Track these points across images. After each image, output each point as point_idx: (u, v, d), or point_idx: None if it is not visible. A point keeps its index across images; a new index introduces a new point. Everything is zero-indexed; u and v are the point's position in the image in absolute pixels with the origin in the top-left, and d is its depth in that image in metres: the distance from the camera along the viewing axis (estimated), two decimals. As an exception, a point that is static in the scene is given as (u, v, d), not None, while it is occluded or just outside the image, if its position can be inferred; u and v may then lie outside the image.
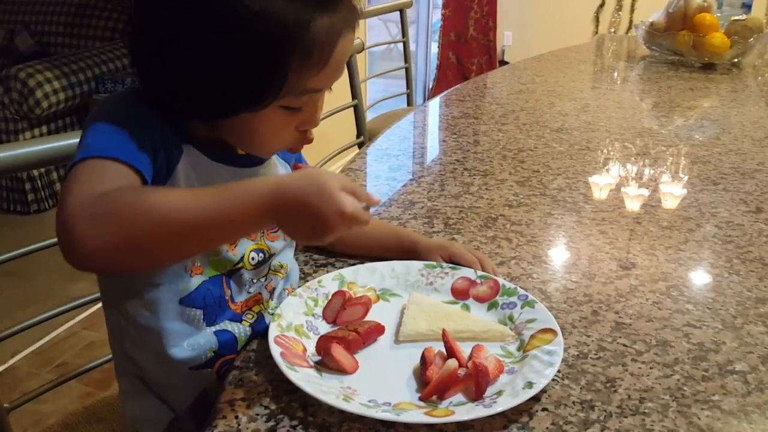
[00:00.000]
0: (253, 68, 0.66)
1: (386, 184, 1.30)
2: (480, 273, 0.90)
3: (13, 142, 2.63)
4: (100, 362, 1.08)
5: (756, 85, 2.30)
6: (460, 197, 1.22)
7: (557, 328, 0.77)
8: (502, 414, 0.67)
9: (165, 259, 0.65)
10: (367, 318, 0.82)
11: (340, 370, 0.72)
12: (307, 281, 0.88)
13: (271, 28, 0.64)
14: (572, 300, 0.89)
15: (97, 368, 1.08)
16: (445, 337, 0.75)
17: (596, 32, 4.88)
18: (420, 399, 0.69)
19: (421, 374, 0.72)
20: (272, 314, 0.79)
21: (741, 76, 2.33)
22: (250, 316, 0.81)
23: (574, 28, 4.83)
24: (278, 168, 0.86)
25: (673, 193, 1.29)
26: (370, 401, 0.68)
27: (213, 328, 0.78)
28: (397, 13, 2.60)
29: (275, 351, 0.71)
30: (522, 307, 0.83)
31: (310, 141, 0.77)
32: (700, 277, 0.98)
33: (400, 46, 2.67)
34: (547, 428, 0.66)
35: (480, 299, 0.87)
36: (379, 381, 0.72)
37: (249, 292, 0.82)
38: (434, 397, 0.69)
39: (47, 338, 2.26)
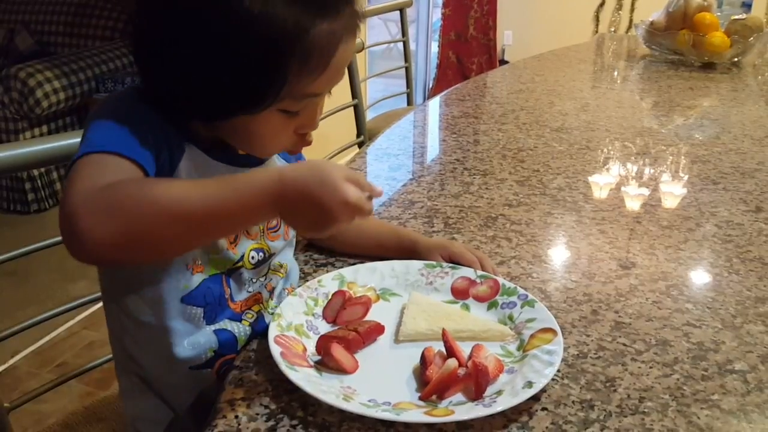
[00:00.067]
0: (252, 71, 0.66)
1: (386, 183, 1.30)
2: (480, 272, 0.90)
3: (13, 141, 2.64)
4: (100, 362, 1.08)
5: (756, 85, 2.30)
6: (460, 197, 1.22)
7: (557, 328, 0.77)
8: (502, 413, 0.67)
9: (168, 250, 0.64)
10: (367, 318, 0.82)
11: (340, 370, 0.72)
12: (307, 281, 0.88)
13: (271, 32, 0.64)
14: (572, 299, 0.89)
15: (97, 368, 1.08)
16: (444, 337, 0.75)
17: (596, 31, 4.88)
18: (420, 398, 0.69)
19: (420, 374, 0.72)
20: (272, 314, 0.79)
21: (741, 75, 2.33)
22: (250, 316, 0.81)
23: (574, 27, 4.83)
24: (279, 168, 0.86)
25: (672, 192, 1.29)
26: (369, 401, 0.68)
27: (213, 327, 0.78)
28: (397, 12, 2.60)
29: (275, 350, 0.71)
30: (522, 307, 0.83)
31: (308, 144, 0.77)
32: (699, 277, 0.98)
33: (400, 45, 2.67)
34: (546, 428, 0.66)
35: (480, 299, 0.87)
36: (379, 380, 0.72)
37: (248, 291, 0.82)
38: (434, 397, 0.69)
39: (47, 338, 2.26)
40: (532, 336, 0.78)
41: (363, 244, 0.97)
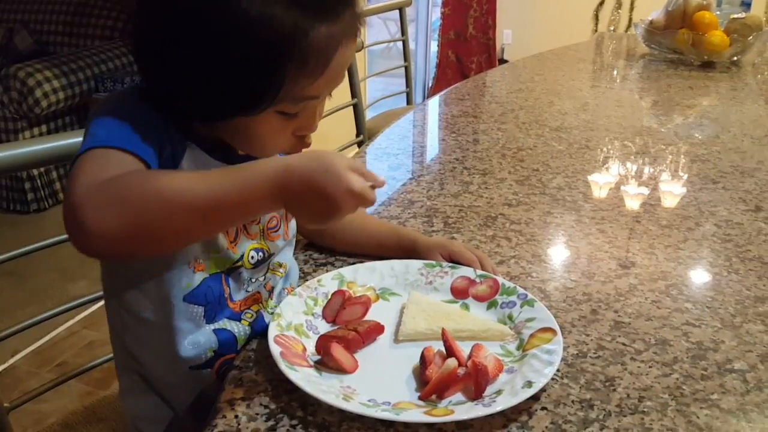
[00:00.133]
0: (249, 73, 0.65)
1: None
2: (479, 272, 0.90)
3: (12, 141, 2.64)
4: (100, 361, 1.08)
5: (755, 84, 2.30)
6: (460, 196, 1.22)
7: (556, 327, 0.77)
8: (502, 413, 0.67)
9: (172, 241, 0.64)
10: (367, 317, 0.82)
11: (339, 370, 0.72)
12: (307, 280, 0.88)
13: (269, 34, 0.64)
14: (571, 299, 0.89)
15: (97, 367, 1.08)
16: (444, 337, 0.75)
17: (596, 30, 4.88)
18: (419, 398, 0.69)
19: (420, 373, 0.72)
20: (272, 313, 0.79)
21: (740, 74, 2.33)
22: (249, 315, 0.81)
23: (573, 26, 4.83)
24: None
25: (672, 191, 1.29)
26: (369, 400, 0.68)
27: (212, 326, 0.78)
28: (397, 11, 2.60)
29: (275, 350, 0.71)
30: (521, 306, 0.83)
31: (307, 146, 0.77)
32: (699, 276, 0.98)
33: (400, 44, 2.67)
34: (546, 427, 0.66)
35: (479, 298, 0.87)
36: (378, 380, 0.72)
37: (247, 291, 0.82)
38: (434, 397, 0.69)
39: (47, 338, 2.26)
40: (531, 335, 0.78)
41: (363, 243, 0.97)
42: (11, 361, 2.16)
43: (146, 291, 0.75)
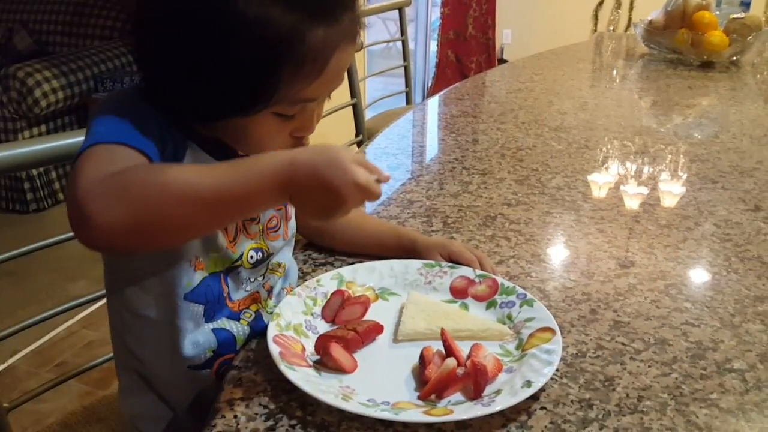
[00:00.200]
0: (246, 74, 0.65)
1: (385, 182, 1.30)
2: (479, 272, 0.90)
3: (11, 141, 2.64)
4: (100, 361, 1.08)
5: (755, 83, 2.30)
6: (459, 196, 1.22)
7: (556, 327, 0.77)
8: (501, 413, 0.67)
9: (177, 235, 0.63)
10: (366, 317, 0.82)
11: (338, 370, 0.72)
12: (306, 280, 0.88)
13: (265, 36, 0.64)
14: (571, 299, 0.89)
15: (96, 367, 1.08)
16: (443, 336, 0.75)
17: (595, 30, 4.88)
18: (419, 398, 0.69)
19: (419, 373, 0.72)
20: (271, 313, 0.79)
21: (740, 74, 2.33)
22: (248, 315, 0.81)
23: (573, 26, 4.83)
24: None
25: (671, 191, 1.29)
26: (368, 400, 0.68)
27: (211, 325, 0.78)
28: (396, 11, 2.60)
29: (274, 350, 0.71)
30: (521, 306, 0.83)
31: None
32: (698, 276, 0.98)
33: (399, 44, 2.67)
34: (545, 427, 0.66)
35: (479, 298, 0.87)
36: (377, 380, 0.72)
37: (246, 291, 0.82)
38: (433, 396, 0.69)
39: (47, 337, 2.26)
40: (530, 335, 0.78)
41: (362, 242, 0.97)
42: (11, 360, 2.16)
43: (148, 289, 0.76)
